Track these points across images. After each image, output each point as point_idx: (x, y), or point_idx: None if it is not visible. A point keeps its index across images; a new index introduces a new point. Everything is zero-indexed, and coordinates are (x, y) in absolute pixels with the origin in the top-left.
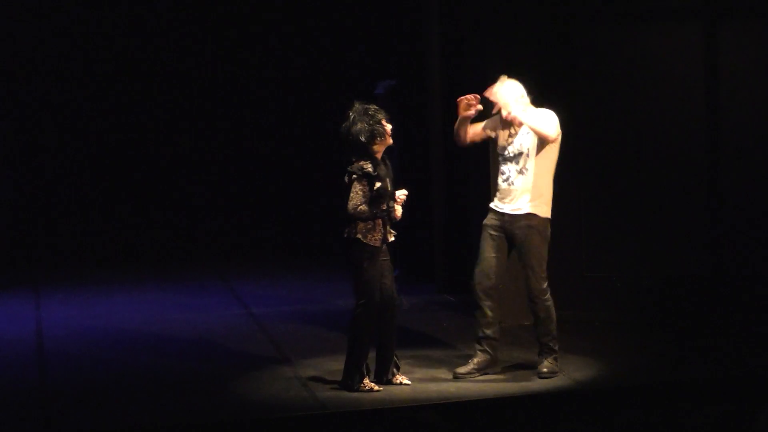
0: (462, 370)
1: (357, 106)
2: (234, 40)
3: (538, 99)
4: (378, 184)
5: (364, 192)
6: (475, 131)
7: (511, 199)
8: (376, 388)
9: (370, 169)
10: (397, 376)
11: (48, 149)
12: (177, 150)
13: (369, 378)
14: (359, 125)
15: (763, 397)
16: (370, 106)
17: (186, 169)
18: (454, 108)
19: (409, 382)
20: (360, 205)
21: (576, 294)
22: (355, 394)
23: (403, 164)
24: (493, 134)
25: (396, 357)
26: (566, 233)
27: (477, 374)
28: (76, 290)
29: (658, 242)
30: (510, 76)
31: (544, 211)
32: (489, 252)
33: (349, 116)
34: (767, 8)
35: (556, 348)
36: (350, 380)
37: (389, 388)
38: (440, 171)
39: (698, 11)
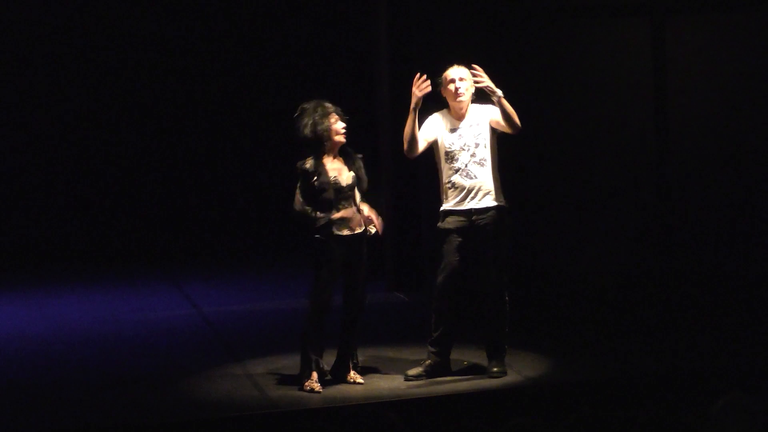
0: (414, 371)
1: (312, 101)
2: (188, 49)
3: (486, 94)
4: (316, 182)
5: (303, 190)
6: (420, 139)
7: (475, 194)
8: (317, 388)
9: (309, 167)
10: (351, 374)
11: None
12: (126, 149)
13: (316, 377)
14: (305, 120)
15: (713, 391)
16: (324, 103)
17: (135, 168)
18: (402, 105)
19: (362, 381)
20: (300, 203)
21: (524, 290)
22: (304, 393)
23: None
24: (437, 137)
25: (354, 356)
26: (514, 229)
27: (428, 376)
28: (24, 290)
29: (609, 238)
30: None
31: (503, 201)
32: (452, 254)
33: (299, 109)
34: (713, 3)
35: (506, 346)
36: (300, 377)
37: (340, 386)
38: (389, 166)
39: (646, 7)
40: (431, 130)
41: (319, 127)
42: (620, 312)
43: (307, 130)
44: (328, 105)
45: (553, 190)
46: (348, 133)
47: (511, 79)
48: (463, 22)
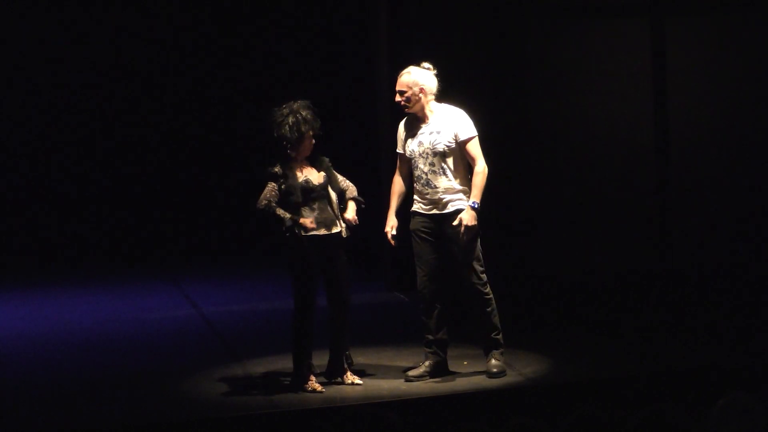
0: (414, 373)
1: (294, 104)
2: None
3: (487, 94)
4: (283, 185)
5: (270, 192)
6: (404, 173)
7: (437, 203)
8: (319, 388)
9: (276, 170)
10: (348, 375)
11: None
12: (126, 148)
13: (314, 378)
14: (289, 118)
15: (713, 391)
16: (302, 111)
17: (135, 168)
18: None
19: (360, 382)
20: (263, 203)
21: (523, 290)
22: (305, 394)
23: (352, 159)
24: (404, 145)
25: (348, 356)
26: (514, 230)
27: (428, 377)
28: (23, 291)
29: (608, 238)
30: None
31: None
32: (425, 255)
33: (281, 107)
34: (713, 3)
35: (503, 342)
36: (294, 379)
37: (340, 387)
38: (389, 166)
39: (646, 7)
40: (400, 141)
41: (302, 128)
42: (619, 312)
43: (286, 129)
44: (309, 115)
45: (553, 190)
46: (344, 135)
47: (510, 79)
48: (462, 22)
